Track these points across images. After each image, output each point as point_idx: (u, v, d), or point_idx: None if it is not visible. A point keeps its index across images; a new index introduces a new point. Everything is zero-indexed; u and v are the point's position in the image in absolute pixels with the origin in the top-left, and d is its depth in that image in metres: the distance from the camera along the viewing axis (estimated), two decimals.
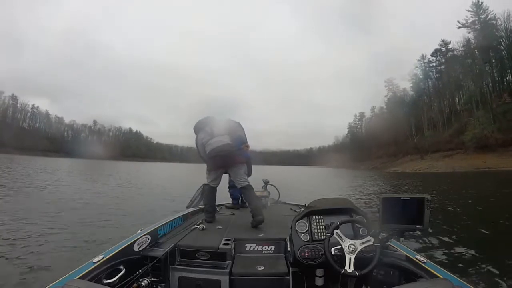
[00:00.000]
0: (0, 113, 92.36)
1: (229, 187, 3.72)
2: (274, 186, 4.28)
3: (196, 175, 4.29)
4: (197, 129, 2.92)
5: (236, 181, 2.96)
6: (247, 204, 3.23)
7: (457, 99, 55.87)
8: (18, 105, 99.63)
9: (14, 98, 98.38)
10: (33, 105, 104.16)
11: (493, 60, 47.85)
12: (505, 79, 47.24)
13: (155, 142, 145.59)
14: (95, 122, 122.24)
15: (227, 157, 2.79)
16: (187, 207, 3.31)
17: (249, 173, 3.55)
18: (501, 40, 47.41)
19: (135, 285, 1.61)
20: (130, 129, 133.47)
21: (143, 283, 1.63)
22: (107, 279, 1.51)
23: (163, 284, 1.80)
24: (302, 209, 2.10)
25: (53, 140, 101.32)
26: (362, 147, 74.35)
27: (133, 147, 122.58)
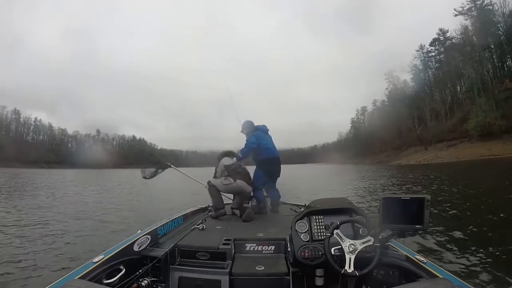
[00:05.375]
0: (3, 128, 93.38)
1: None
2: None
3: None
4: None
5: None
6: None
7: (458, 87, 55.40)
8: (21, 119, 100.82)
9: (16, 112, 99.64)
10: (35, 118, 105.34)
11: (492, 46, 47.33)
12: (505, 65, 46.77)
13: (159, 148, 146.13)
14: (98, 131, 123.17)
15: None
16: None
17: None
18: (499, 25, 46.95)
19: (135, 285, 1.62)
20: (134, 137, 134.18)
21: (143, 283, 1.64)
22: (107, 279, 1.52)
23: (163, 284, 1.80)
24: (302, 209, 2.10)
25: (58, 152, 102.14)
26: (365, 141, 74.04)
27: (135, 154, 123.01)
